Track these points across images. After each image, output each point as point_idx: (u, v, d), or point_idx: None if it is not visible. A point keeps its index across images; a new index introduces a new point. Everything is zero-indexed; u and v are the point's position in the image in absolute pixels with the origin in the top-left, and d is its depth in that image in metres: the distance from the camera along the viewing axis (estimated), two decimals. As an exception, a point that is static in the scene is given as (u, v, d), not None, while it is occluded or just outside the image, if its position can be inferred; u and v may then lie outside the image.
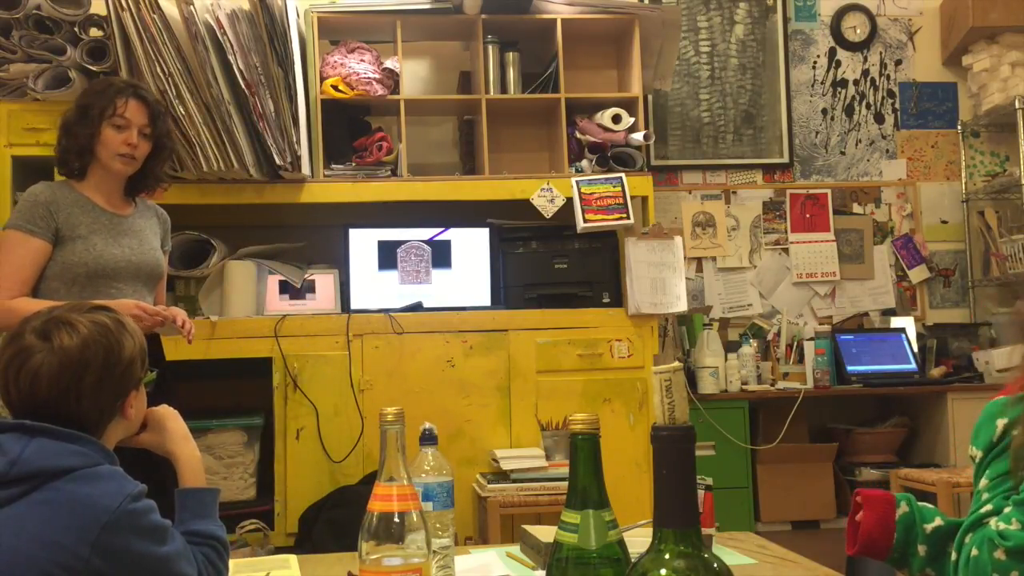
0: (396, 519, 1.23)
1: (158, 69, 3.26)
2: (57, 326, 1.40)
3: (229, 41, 3.34)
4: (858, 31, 4.72)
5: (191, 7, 3.31)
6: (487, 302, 3.70)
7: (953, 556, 1.29)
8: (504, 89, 3.81)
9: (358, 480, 3.33)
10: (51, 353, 1.38)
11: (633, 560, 0.94)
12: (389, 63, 3.69)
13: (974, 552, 1.23)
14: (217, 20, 3.33)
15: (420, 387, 3.44)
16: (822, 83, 4.70)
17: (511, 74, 3.82)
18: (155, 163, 2.64)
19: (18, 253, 2.47)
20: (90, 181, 2.59)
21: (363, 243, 3.67)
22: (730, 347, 4.22)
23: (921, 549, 1.34)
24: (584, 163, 3.74)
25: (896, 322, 4.48)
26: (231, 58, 3.33)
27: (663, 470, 0.90)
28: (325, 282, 3.62)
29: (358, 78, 3.60)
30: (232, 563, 1.55)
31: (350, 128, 3.76)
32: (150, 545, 1.30)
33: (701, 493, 1.59)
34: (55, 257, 2.50)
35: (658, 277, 3.60)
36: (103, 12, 3.39)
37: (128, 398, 1.46)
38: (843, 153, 4.69)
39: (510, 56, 3.83)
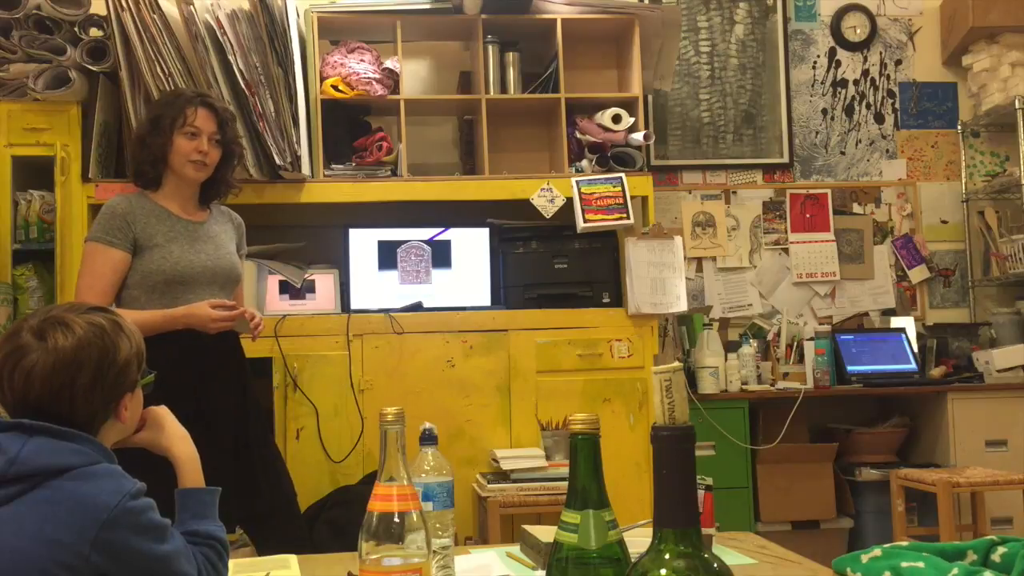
0: (396, 519, 1.23)
1: (158, 69, 3.26)
2: (53, 326, 1.40)
3: (229, 41, 3.34)
4: (858, 31, 4.72)
5: (191, 7, 3.31)
6: (487, 302, 3.70)
7: None
8: (504, 89, 3.81)
9: (358, 480, 3.33)
10: (45, 353, 1.37)
11: (633, 560, 0.94)
12: (389, 63, 3.69)
13: None
14: (217, 20, 3.33)
15: (420, 387, 3.44)
16: (822, 83, 4.70)
17: (511, 74, 3.82)
18: (226, 169, 2.72)
19: (98, 263, 2.55)
20: (165, 191, 2.66)
21: (363, 243, 3.67)
22: (730, 347, 4.22)
23: None
24: (584, 163, 3.74)
25: (896, 322, 4.48)
26: (231, 58, 3.33)
27: (663, 470, 0.90)
28: (325, 282, 3.62)
29: (358, 78, 3.60)
30: (232, 563, 1.55)
31: (350, 128, 3.75)
32: (149, 543, 1.31)
33: (701, 493, 1.59)
34: (134, 266, 2.57)
35: (658, 277, 3.60)
36: (103, 12, 3.39)
37: (123, 400, 1.46)
38: (843, 153, 4.69)
39: (510, 56, 3.83)
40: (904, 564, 1.37)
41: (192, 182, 2.66)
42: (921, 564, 1.36)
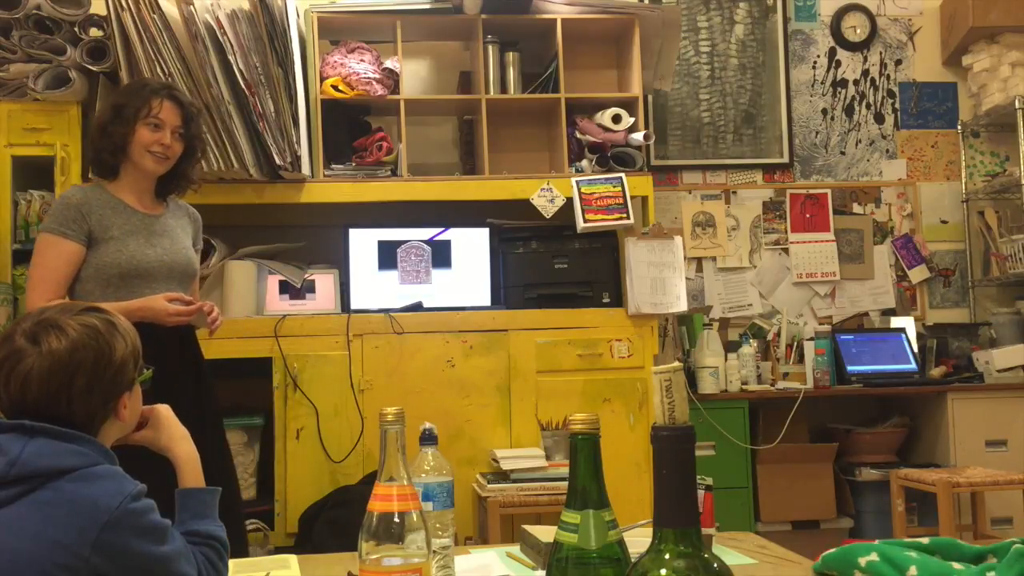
0: (396, 519, 1.23)
1: (158, 69, 3.26)
2: (46, 329, 1.39)
3: (229, 41, 3.34)
4: (858, 31, 4.72)
5: (191, 7, 3.31)
6: (487, 302, 3.70)
7: None
8: (504, 89, 3.81)
9: (358, 480, 3.33)
10: (40, 357, 1.37)
11: (633, 560, 0.94)
12: (389, 63, 3.69)
13: None
14: (217, 20, 3.33)
15: (420, 387, 3.44)
16: (822, 83, 4.70)
17: (511, 74, 3.82)
18: (187, 164, 2.67)
19: (52, 256, 2.50)
20: (122, 182, 2.61)
21: (363, 243, 3.67)
22: (730, 347, 4.22)
23: None
24: (584, 163, 3.74)
25: (896, 322, 4.48)
26: (231, 58, 3.33)
27: (663, 470, 0.90)
28: (325, 282, 3.62)
29: (358, 78, 3.60)
30: (232, 563, 1.55)
31: (350, 128, 3.76)
32: (150, 545, 1.30)
33: (701, 493, 1.59)
34: (89, 259, 2.52)
35: (658, 277, 3.60)
36: (103, 12, 3.39)
37: (121, 399, 1.45)
38: (843, 153, 4.69)
39: (510, 56, 3.83)
40: (862, 560, 1.37)
41: (150, 174, 2.60)
42: (875, 556, 1.36)
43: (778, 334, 4.41)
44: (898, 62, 4.74)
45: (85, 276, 2.52)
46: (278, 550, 3.11)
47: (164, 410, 1.60)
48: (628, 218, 3.59)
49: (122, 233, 2.54)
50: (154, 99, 2.55)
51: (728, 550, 1.72)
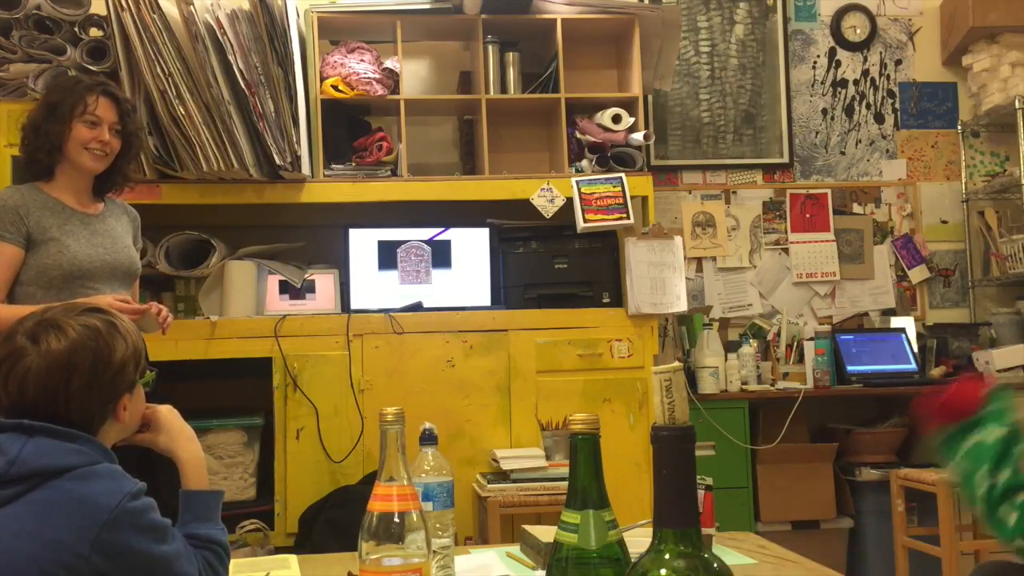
0: (396, 519, 1.23)
1: (158, 69, 3.26)
2: (46, 329, 1.40)
3: (229, 41, 3.33)
4: (858, 31, 4.72)
5: (191, 7, 3.31)
6: (487, 302, 3.70)
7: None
8: (504, 89, 3.81)
9: (358, 480, 3.33)
10: (39, 356, 1.37)
11: (633, 560, 0.94)
12: (389, 63, 3.69)
13: None
14: (217, 20, 3.33)
15: (420, 387, 3.44)
16: (822, 83, 4.70)
17: (511, 74, 3.82)
18: (124, 161, 2.63)
19: None
20: (58, 181, 2.57)
21: (363, 243, 3.67)
22: (730, 347, 4.22)
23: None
24: (584, 163, 3.74)
25: (896, 322, 4.47)
26: (231, 58, 3.33)
27: (663, 470, 0.90)
28: (325, 282, 3.62)
29: (358, 78, 3.60)
30: (232, 563, 1.55)
31: (350, 128, 3.76)
32: (150, 543, 1.30)
33: (701, 493, 1.59)
34: (28, 262, 2.48)
35: (658, 277, 3.60)
36: (103, 12, 3.39)
37: (120, 400, 1.45)
38: (843, 153, 4.69)
39: (510, 56, 3.83)
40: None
41: (88, 172, 2.56)
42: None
43: (778, 334, 4.41)
44: (898, 62, 4.74)
45: (26, 279, 2.49)
46: (278, 550, 3.11)
47: (167, 411, 1.59)
48: (628, 218, 3.59)
49: (61, 233, 2.50)
50: (90, 95, 2.52)
51: (728, 550, 1.73)
